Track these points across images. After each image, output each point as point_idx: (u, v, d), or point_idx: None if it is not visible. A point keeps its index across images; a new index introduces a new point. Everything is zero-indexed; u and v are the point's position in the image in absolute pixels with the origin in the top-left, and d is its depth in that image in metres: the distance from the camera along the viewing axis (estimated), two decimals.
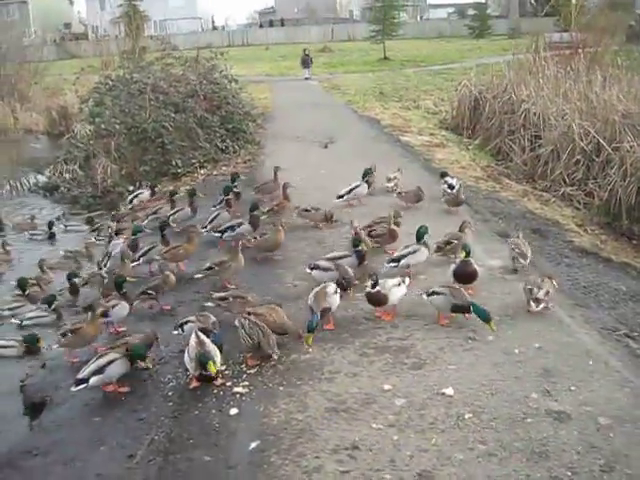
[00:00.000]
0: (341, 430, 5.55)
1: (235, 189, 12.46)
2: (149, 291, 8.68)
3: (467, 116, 21.67)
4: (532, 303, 7.50)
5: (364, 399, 5.97)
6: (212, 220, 11.09)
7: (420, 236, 8.78)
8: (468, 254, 7.94)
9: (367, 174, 12.40)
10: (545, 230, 11.48)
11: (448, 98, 25.32)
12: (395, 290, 7.54)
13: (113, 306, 8.15)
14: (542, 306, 7.50)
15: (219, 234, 10.64)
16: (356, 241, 8.86)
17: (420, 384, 6.16)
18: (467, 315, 7.28)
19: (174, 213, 11.79)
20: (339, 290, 7.59)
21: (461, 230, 9.50)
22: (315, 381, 6.35)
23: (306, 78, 39.73)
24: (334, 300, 7.44)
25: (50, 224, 14.18)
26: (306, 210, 11.15)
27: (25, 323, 9.24)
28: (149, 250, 10.03)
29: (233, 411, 5.99)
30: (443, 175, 12.69)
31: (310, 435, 5.52)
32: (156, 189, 14.89)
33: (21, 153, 25.92)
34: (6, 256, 12.66)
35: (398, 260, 8.62)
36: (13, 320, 9.40)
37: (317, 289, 7.47)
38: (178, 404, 6.32)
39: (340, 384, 6.26)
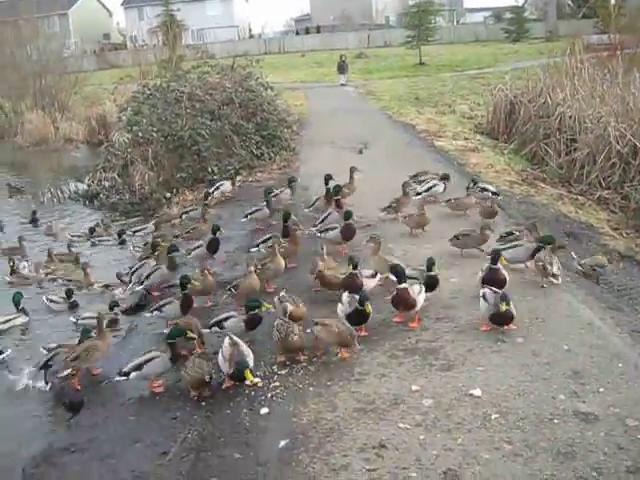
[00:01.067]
0: (369, 429, 5.64)
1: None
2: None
3: (502, 120, 21.62)
4: (551, 279, 8.07)
5: (392, 399, 6.05)
6: (322, 220, 10.83)
7: (429, 266, 8.00)
8: None
9: (444, 178, 12.50)
10: (579, 233, 11.48)
11: (484, 102, 25.27)
12: (421, 297, 7.60)
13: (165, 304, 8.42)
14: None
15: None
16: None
17: (448, 385, 6.22)
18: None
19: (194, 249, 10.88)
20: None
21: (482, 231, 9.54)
22: (344, 382, 6.45)
23: (342, 84, 39.43)
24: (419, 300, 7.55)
25: (120, 232, 14.20)
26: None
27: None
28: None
29: (264, 410, 6.13)
30: (474, 182, 12.16)
31: (338, 434, 5.62)
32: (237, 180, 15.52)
33: (61, 162, 26.48)
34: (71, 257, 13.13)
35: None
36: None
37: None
38: (210, 403, 6.50)
39: (369, 385, 6.35)
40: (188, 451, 5.80)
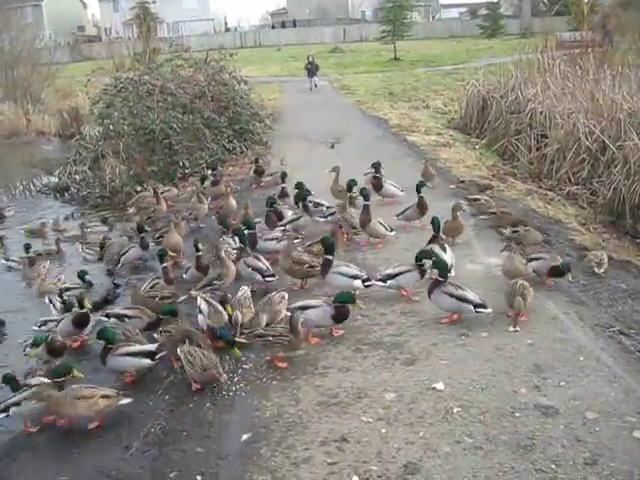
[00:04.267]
0: (331, 423, 5.67)
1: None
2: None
3: (475, 116, 21.69)
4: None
5: (355, 393, 6.08)
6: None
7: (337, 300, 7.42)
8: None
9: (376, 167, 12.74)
10: (547, 228, 11.50)
11: (457, 98, 25.34)
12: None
13: None
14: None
15: None
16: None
17: (411, 379, 6.26)
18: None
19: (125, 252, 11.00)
20: None
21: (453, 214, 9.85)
22: (308, 375, 6.48)
23: (314, 86, 35.59)
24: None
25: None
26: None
27: None
28: None
29: (226, 404, 6.12)
30: (419, 188, 11.07)
31: (301, 428, 5.64)
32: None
33: (33, 155, 26.17)
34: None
35: (385, 280, 8.14)
36: None
37: None
38: (175, 397, 6.47)
39: (333, 379, 6.38)
40: (150, 445, 5.78)
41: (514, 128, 18.56)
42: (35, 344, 7.49)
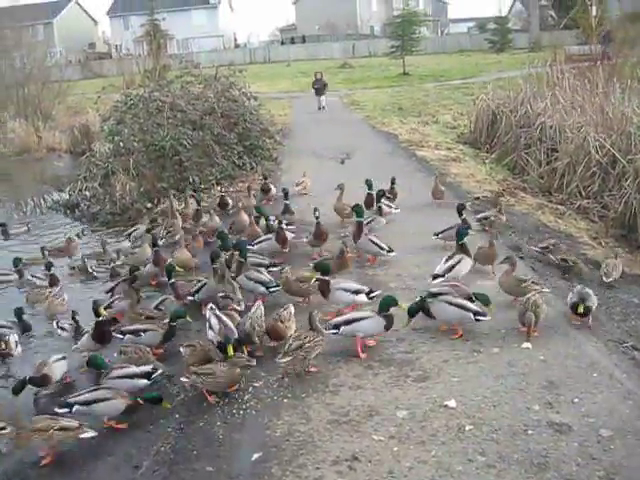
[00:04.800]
0: (342, 442, 5.62)
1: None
2: None
3: (485, 130, 21.73)
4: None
5: (367, 411, 6.03)
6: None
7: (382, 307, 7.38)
8: None
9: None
10: (558, 242, 11.46)
11: (467, 112, 25.35)
12: None
13: None
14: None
15: None
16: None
17: (423, 396, 6.21)
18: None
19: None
20: None
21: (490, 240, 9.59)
22: (319, 393, 6.43)
23: (320, 108, 33.13)
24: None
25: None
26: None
27: None
28: None
29: (237, 423, 6.08)
30: (460, 210, 10.84)
31: (311, 447, 5.59)
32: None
33: (44, 171, 26.33)
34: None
35: (337, 327, 7.34)
36: None
37: None
38: (184, 416, 6.44)
39: (344, 396, 6.33)
40: (161, 465, 5.74)
41: (524, 142, 18.57)
42: None
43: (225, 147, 18.40)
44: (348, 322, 7.24)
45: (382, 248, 9.99)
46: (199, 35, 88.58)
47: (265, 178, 15.77)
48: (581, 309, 7.45)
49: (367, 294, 8.13)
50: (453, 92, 35.76)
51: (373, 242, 10.04)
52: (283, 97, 38.11)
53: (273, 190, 15.06)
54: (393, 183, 13.27)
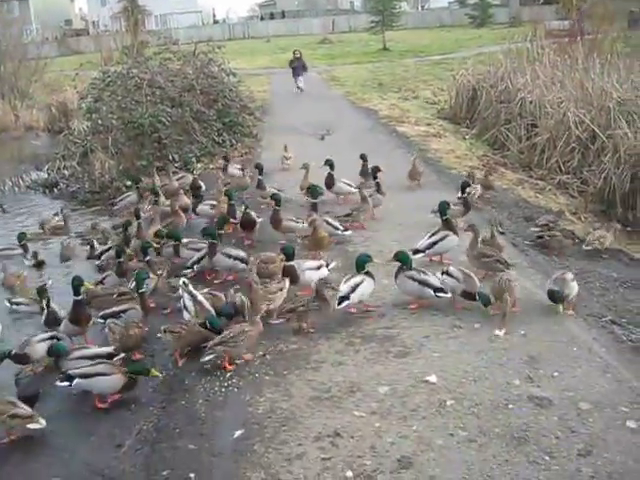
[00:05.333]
0: (324, 418, 5.64)
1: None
2: None
3: (465, 106, 21.69)
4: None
5: (348, 387, 6.06)
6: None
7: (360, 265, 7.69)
8: None
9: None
10: (538, 218, 11.51)
11: (447, 88, 25.28)
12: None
13: None
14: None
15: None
16: None
17: (404, 372, 6.24)
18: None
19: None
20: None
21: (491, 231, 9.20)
22: (301, 370, 6.45)
23: (298, 88, 30.18)
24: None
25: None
26: None
27: None
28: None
29: (219, 400, 6.09)
30: (464, 187, 10.83)
31: (294, 423, 5.61)
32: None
33: (22, 150, 26.01)
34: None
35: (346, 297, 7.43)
36: None
37: None
38: (166, 394, 6.45)
39: (325, 373, 6.35)
40: (143, 443, 5.75)
41: (504, 117, 18.58)
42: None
43: (204, 124, 18.29)
44: (354, 289, 7.41)
45: (337, 228, 9.93)
46: (177, 11, 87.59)
47: (226, 160, 15.00)
48: (560, 309, 7.22)
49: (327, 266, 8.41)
50: (433, 67, 35.63)
51: (328, 222, 9.96)
52: (262, 73, 37.82)
53: (203, 187, 14.45)
54: (332, 167, 12.28)
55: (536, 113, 17.27)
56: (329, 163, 12.16)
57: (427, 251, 8.82)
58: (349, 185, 12.16)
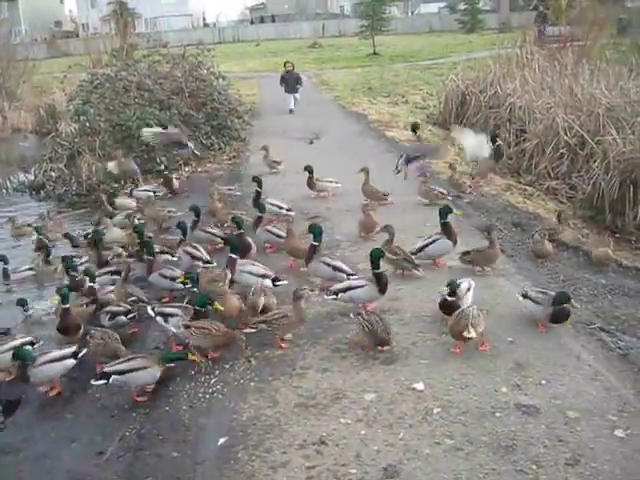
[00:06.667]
0: (309, 425, 5.57)
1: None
2: None
3: (454, 111, 21.61)
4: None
5: (334, 394, 5.99)
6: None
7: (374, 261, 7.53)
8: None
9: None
10: (526, 224, 11.49)
11: (436, 93, 25.25)
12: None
13: None
14: None
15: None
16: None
17: (391, 379, 6.18)
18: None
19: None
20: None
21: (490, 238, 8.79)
22: (286, 377, 6.37)
23: (291, 110, 24.50)
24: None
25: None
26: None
27: None
28: None
29: (203, 407, 6.01)
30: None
31: (278, 430, 5.55)
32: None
33: (9, 152, 25.83)
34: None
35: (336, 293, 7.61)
36: None
37: None
38: (150, 400, 6.36)
39: (311, 380, 6.28)
40: (125, 450, 5.68)
41: (493, 123, 18.54)
42: None
43: (193, 127, 18.17)
44: (344, 290, 7.51)
45: (279, 236, 9.86)
46: (167, 14, 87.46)
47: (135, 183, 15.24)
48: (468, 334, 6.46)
49: (273, 281, 8.19)
50: (423, 72, 35.58)
51: (270, 231, 9.98)
52: (252, 77, 37.69)
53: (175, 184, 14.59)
54: (311, 172, 12.80)
55: (525, 119, 17.27)
56: (308, 170, 12.69)
57: (418, 254, 8.82)
58: (330, 182, 12.84)
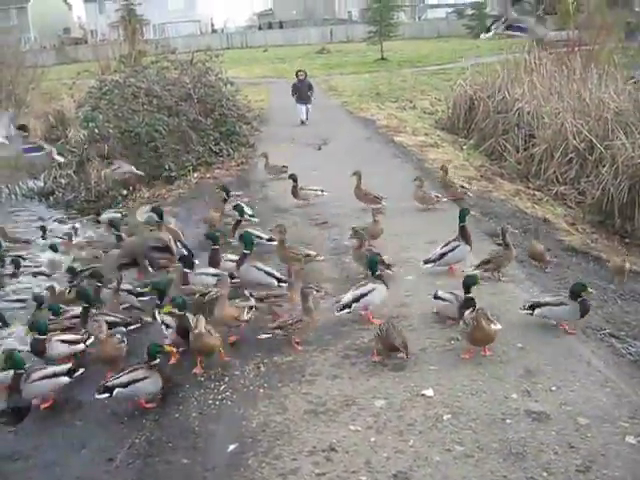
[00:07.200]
0: (319, 432, 5.56)
1: None
2: None
3: (462, 116, 21.63)
4: None
5: (344, 401, 5.98)
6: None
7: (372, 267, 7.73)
8: None
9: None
10: (535, 229, 11.46)
11: (444, 98, 25.25)
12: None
13: None
14: None
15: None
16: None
17: (400, 385, 6.17)
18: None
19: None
20: None
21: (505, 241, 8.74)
22: (296, 383, 6.37)
23: (302, 121, 23.40)
24: None
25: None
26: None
27: None
28: None
29: (213, 413, 6.01)
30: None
31: (288, 437, 5.54)
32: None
33: (18, 158, 25.92)
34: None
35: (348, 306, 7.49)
36: None
37: None
38: (159, 407, 6.35)
39: (320, 386, 6.27)
40: (135, 457, 5.67)
41: (501, 128, 18.55)
42: None
43: (201, 133, 18.24)
44: (357, 299, 7.42)
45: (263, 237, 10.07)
46: (175, 20, 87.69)
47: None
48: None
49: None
50: (431, 78, 35.60)
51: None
52: (260, 82, 37.74)
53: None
54: (295, 180, 12.89)
55: (533, 124, 17.27)
56: (292, 177, 12.84)
57: (438, 261, 8.77)
58: (314, 190, 12.93)
